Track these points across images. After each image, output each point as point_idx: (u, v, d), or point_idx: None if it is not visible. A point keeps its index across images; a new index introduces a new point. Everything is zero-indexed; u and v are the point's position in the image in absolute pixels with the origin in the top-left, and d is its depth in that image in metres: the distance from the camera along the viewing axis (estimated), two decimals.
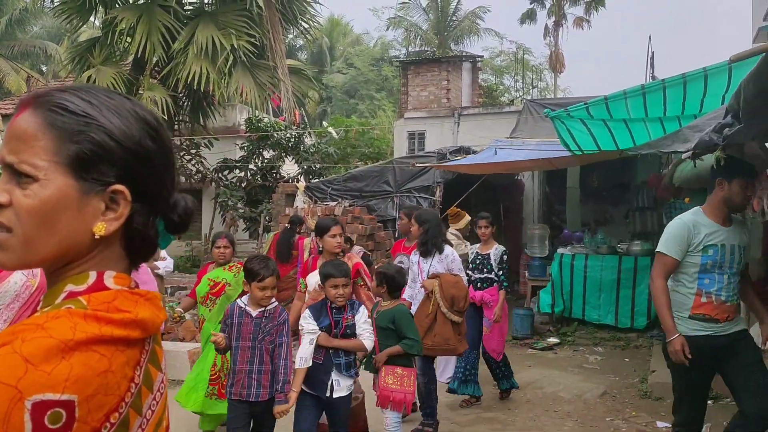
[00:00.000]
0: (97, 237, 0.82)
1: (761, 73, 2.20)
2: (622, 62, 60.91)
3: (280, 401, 3.45)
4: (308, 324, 3.64)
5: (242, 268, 3.79)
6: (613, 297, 7.81)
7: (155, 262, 5.90)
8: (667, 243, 3.30)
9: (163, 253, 6.07)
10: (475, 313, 5.41)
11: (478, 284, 5.49)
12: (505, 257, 5.51)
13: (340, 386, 3.61)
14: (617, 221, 11.25)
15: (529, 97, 21.58)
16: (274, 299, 3.65)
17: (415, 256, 5.05)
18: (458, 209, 6.36)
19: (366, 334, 3.69)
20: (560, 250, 8.36)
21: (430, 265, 4.85)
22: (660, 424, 4.86)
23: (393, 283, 4.02)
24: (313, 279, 4.23)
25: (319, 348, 3.60)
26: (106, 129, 0.83)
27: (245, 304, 3.58)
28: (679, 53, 63.47)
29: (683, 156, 4.34)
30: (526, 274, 8.98)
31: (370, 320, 3.81)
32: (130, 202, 0.84)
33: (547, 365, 6.72)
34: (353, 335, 3.68)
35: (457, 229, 6.20)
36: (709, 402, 5.18)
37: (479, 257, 5.59)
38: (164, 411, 0.89)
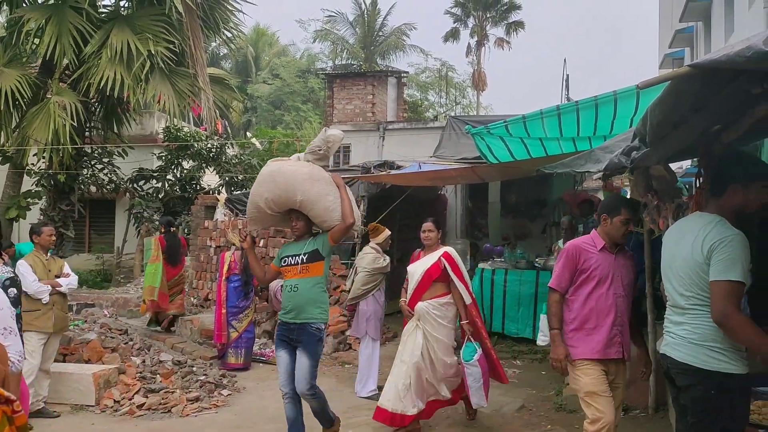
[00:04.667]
0: None
1: (666, 101, 2.27)
2: (541, 82, 63.56)
3: None
4: None
5: None
6: (531, 311, 7.99)
7: (57, 279, 5.49)
8: (742, 268, 2.49)
9: (66, 268, 5.67)
10: None
11: None
12: None
13: None
14: (535, 235, 11.62)
15: (452, 114, 22.02)
16: None
17: None
18: (377, 224, 6.37)
19: None
20: (481, 265, 8.50)
21: None
22: None
23: None
24: None
25: None
26: None
27: None
28: (593, 72, 66.90)
29: (594, 177, 4.53)
30: None
31: None
32: None
33: None
34: None
35: (376, 244, 6.22)
36: (622, 415, 5.40)
37: None
38: None
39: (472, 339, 4.99)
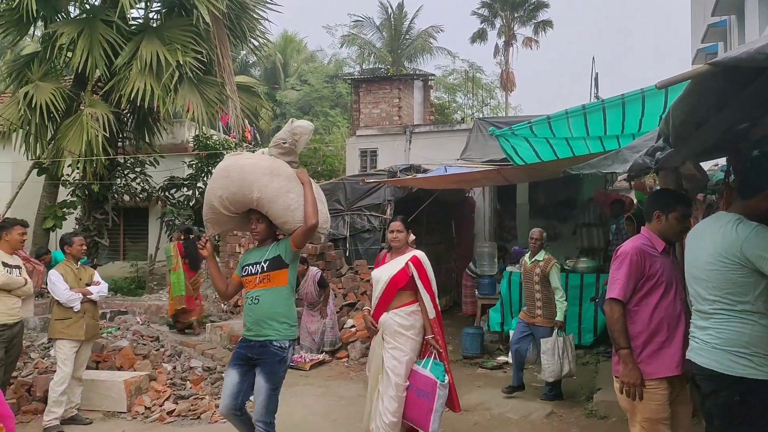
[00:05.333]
0: None
1: (687, 100, 2.20)
2: (571, 80, 62.73)
3: None
4: None
5: None
6: None
7: (88, 287, 5.60)
8: None
9: (96, 276, 5.78)
10: None
11: None
12: None
13: None
14: (565, 236, 11.45)
15: (480, 116, 21.87)
16: None
17: None
18: None
19: None
20: (509, 268, 8.38)
21: None
22: None
23: None
24: None
25: None
26: None
27: None
28: (624, 70, 65.83)
29: (619, 178, 4.41)
30: (476, 292, 8.97)
31: None
32: None
33: (495, 385, 6.67)
34: None
35: None
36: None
37: None
38: None
39: (438, 358, 4.40)
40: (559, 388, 6.09)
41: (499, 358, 7.68)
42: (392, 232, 4.61)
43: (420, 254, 4.54)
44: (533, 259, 6.21)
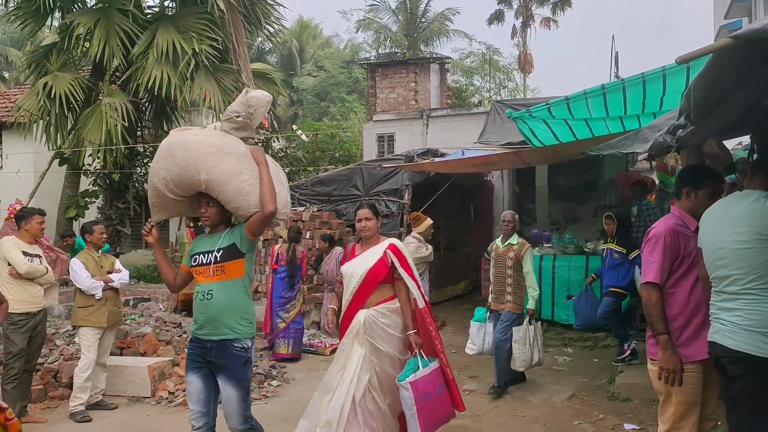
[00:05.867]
0: None
1: (708, 75, 2.14)
2: (590, 61, 61.79)
3: None
4: None
5: None
6: None
7: (110, 275, 5.67)
8: None
9: (117, 264, 5.85)
10: None
11: None
12: None
13: None
14: (586, 219, 11.34)
15: (497, 98, 21.65)
16: None
17: None
18: (419, 213, 6.30)
19: None
20: None
21: None
22: (627, 426, 4.82)
23: None
24: None
25: None
26: None
27: None
28: (643, 51, 64.63)
29: (640, 158, 4.31)
30: None
31: None
32: None
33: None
34: None
35: (418, 233, 6.14)
36: None
37: None
38: None
39: (422, 353, 3.94)
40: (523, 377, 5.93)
41: None
42: (360, 220, 4.10)
43: (396, 242, 4.17)
44: (507, 243, 5.85)
